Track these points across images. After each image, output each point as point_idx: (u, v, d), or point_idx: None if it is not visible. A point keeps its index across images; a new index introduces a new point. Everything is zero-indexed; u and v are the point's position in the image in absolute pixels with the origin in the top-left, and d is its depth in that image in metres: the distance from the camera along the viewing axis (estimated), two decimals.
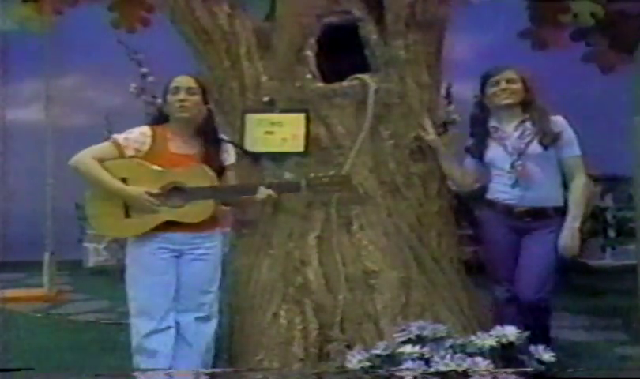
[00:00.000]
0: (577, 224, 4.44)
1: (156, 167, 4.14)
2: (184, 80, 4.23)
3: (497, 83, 4.56)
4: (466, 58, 7.05)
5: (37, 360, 5.31)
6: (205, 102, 4.30)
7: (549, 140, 4.43)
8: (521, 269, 4.52)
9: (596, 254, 8.29)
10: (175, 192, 4.13)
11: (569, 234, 4.42)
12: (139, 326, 4.17)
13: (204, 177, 4.18)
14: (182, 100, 4.18)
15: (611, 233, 8.26)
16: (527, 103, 4.55)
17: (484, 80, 4.65)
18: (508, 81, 4.54)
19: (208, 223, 4.25)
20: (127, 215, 4.13)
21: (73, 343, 5.89)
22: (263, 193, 4.23)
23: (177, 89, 4.20)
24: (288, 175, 4.37)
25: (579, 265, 7.89)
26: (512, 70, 4.59)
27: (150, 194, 4.09)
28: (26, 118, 9.28)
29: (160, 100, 4.68)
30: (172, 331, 4.14)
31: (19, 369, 4.23)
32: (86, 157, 4.13)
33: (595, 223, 8.17)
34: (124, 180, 4.12)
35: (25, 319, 6.76)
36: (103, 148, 4.18)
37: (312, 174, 4.33)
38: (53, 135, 8.31)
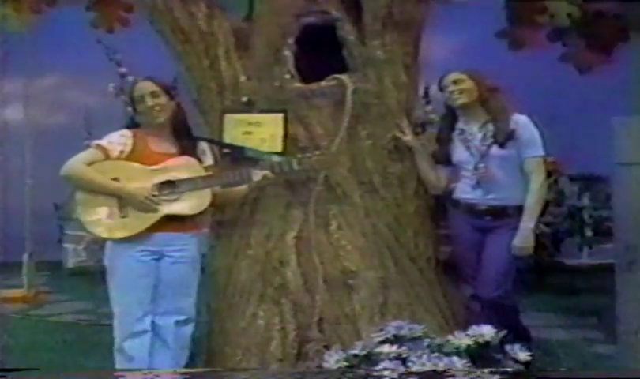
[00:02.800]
0: (532, 225, 4.49)
1: (143, 165, 4.13)
2: (144, 86, 4.23)
3: (446, 87, 4.67)
4: (444, 58, 7.06)
5: (16, 361, 5.29)
6: (171, 98, 4.29)
7: (502, 137, 4.48)
8: (481, 267, 4.60)
9: (573, 253, 8.34)
10: (169, 186, 4.12)
11: (522, 235, 4.47)
12: (117, 328, 4.17)
13: (194, 168, 4.19)
14: (151, 107, 4.18)
15: (588, 232, 8.29)
16: (485, 101, 4.61)
17: (439, 88, 4.77)
18: (455, 82, 4.62)
19: (190, 224, 4.25)
20: (123, 215, 4.10)
21: (52, 344, 5.87)
22: (259, 174, 4.24)
23: (141, 97, 4.21)
24: (276, 158, 4.36)
25: (556, 264, 7.95)
26: (457, 72, 4.66)
27: (153, 187, 4.09)
28: (5, 118, 9.21)
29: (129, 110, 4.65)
30: (149, 334, 4.12)
31: (16, 370, 4.21)
32: (77, 164, 4.12)
33: (572, 222, 8.22)
34: (116, 180, 4.10)
35: (4, 320, 6.73)
36: (89, 153, 4.16)
37: (299, 155, 4.37)
38: (32, 135, 8.28)
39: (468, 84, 4.59)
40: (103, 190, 4.09)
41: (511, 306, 4.65)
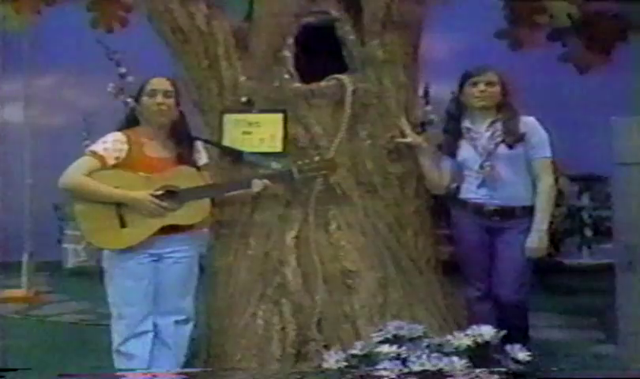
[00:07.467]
0: (544, 227, 4.45)
1: (142, 174, 4.08)
2: (161, 83, 4.19)
3: (476, 84, 4.54)
4: (443, 58, 7.08)
5: (16, 361, 5.28)
6: (177, 103, 4.27)
7: (512, 139, 4.43)
8: (498, 271, 4.54)
9: (573, 253, 8.33)
10: (168, 195, 4.08)
11: (536, 237, 4.44)
12: (117, 330, 4.15)
13: (194, 177, 4.17)
14: (159, 104, 4.13)
15: (588, 232, 8.30)
16: (501, 104, 4.55)
17: (464, 79, 4.62)
18: (488, 84, 4.52)
19: (189, 227, 4.21)
20: (123, 225, 4.04)
21: (52, 345, 5.87)
22: (259, 184, 4.24)
23: (154, 92, 4.15)
24: (275, 165, 4.36)
25: (555, 264, 7.94)
26: (493, 72, 4.56)
27: (154, 196, 4.04)
28: (4, 118, 9.20)
29: (130, 101, 4.63)
30: (150, 335, 4.12)
31: (16, 370, 4.21)
32: (75, 174, 4.03)
33: (572, 222, 8.21)
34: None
35: (3, 320, 6.72)
36: (86, 162, 4.06)
37: (299, 161, 4.35)
38: (31, 135, 8.28)
39: (497, 88, 4.52)
40: (108, 199, 4.02)
41: (527, 308, 4.63)
